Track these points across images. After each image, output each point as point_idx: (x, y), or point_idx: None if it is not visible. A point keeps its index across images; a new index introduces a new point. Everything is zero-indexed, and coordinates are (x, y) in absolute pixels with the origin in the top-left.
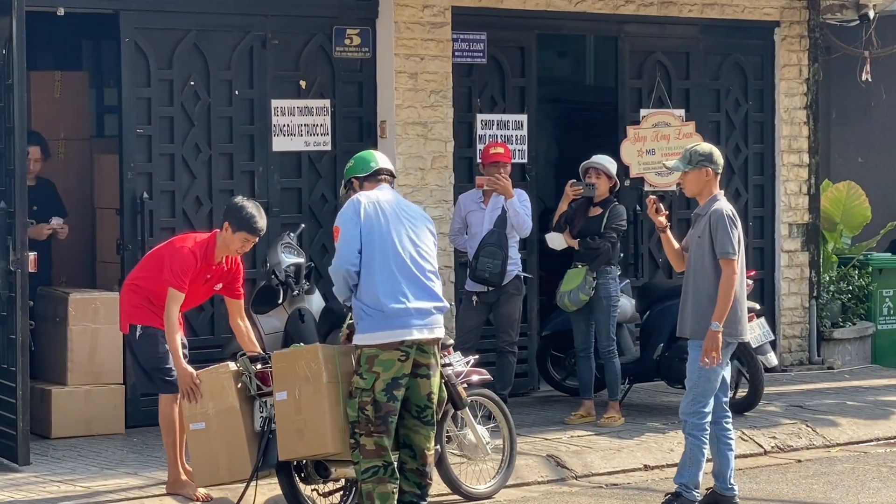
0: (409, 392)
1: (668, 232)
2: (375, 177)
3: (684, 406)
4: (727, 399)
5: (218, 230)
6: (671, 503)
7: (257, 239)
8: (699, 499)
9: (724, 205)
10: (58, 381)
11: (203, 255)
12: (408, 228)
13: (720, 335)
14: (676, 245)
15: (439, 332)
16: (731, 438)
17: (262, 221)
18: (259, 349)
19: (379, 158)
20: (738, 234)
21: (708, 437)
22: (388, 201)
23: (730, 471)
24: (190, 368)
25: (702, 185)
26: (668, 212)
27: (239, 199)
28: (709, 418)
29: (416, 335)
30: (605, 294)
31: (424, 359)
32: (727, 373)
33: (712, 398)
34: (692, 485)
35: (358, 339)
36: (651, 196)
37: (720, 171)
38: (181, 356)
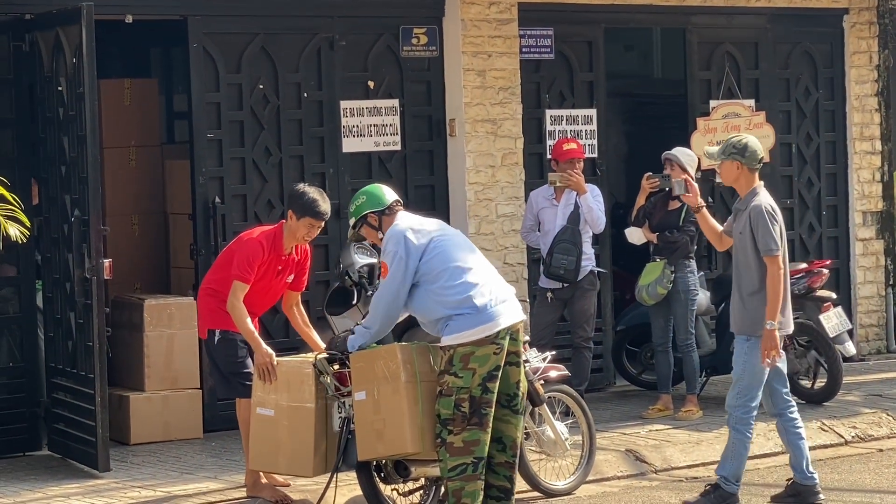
0: (499, 382)
1: (705, 211)
2: (392, 210)
3: (730, 399)
4: (787, 389)
5: (284, 220)
6: (709, 494)
7: (322, 224)
8: (738, 491)
9: (764, 199)
10: (135, 387)
11: (271, 245)
12: (453, 236)
13: (777, 332)
14: (717, 226)
15: (523, 315)
16: (799, 427)
17: (325, 205)
18: (314, 335)
19: (386, 192)
20: (779, 227)
21: (752, 431)
22: (421, 222)
23: (805, 460)
24: (270, 350)
25: (734, 176)
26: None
27: (301, 185)
28: (755, 413)
29: (507, 321)
30: (683, 287)
31: (514, 346)
32: (783, 364)
33: (760, 392)
34: (733, 478)
35: (451, 340)
36: (647, 174)
37: (756, 166)
38: (258, 337)
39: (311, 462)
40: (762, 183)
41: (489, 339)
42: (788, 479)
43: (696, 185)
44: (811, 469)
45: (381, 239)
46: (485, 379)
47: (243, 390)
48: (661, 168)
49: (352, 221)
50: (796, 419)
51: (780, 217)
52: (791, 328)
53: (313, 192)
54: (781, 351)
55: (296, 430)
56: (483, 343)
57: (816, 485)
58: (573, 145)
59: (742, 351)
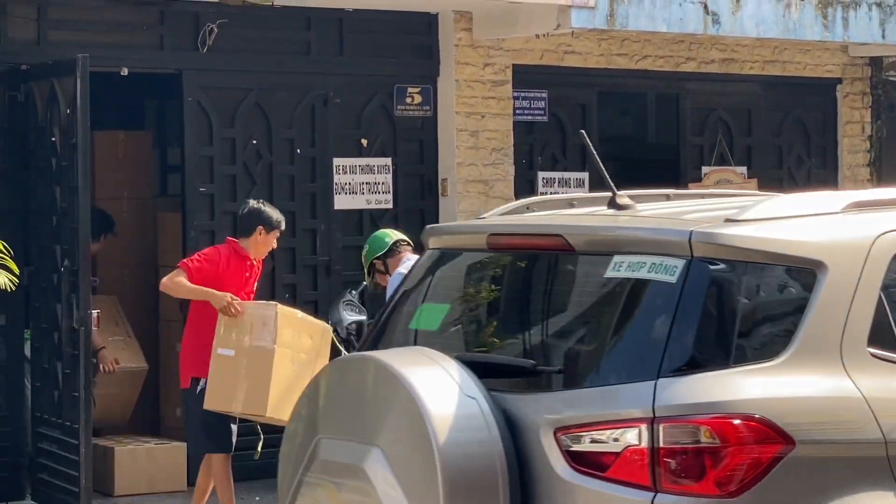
0: None
1: None
2: (395, 251)
3: None
4: None
5: (232, 238)
6: None
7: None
8: None
9: None
10: (120, 438)
11: (231, 251)
12: None
13: None
14: None
15: None
16: None
17: (280, 214)
18: None
19: (390, 232)
20: None
21: None
22: None
23: None
24: (225, 293)
25: None
26: None
27: (252, 202)
28: None
29: None
30: None
31: None
32: None
33: None
34: None
35: None
36: None
37: None
38: (208, 289)
39: (267, 400)
40: None
41: None
42: None
43: None
44: None
45: None
46: None
47: (221, 444)
48: None
49: (366, 270)
50: None
51: None
52: None
53: (268, 206)
54: None
55: (254, 368)
56: None
57: None
58: None
59: None
